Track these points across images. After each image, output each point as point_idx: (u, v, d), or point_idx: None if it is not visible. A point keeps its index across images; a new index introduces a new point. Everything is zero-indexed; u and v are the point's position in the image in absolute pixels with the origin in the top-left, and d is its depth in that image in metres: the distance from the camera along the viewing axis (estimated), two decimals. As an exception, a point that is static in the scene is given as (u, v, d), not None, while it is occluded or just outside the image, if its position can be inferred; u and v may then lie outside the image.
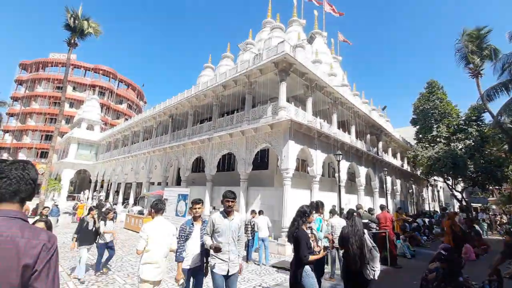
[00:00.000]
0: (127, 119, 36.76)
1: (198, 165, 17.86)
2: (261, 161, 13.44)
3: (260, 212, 8.54)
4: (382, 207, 8.37)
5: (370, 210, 8.35)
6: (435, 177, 25.87)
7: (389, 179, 19.24)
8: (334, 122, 14.50)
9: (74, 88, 42.83)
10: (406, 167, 26.31)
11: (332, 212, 6.75)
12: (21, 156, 39.29)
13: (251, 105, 12.90)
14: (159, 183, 20.07)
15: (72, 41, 16.44)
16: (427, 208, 28.90)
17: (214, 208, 13.38)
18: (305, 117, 12.14)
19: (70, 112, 40.19)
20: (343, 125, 16.84)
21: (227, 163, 14.70)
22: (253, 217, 8.54)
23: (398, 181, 22.31)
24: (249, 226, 8.15)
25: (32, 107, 41.37)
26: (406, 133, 31.37)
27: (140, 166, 20.95)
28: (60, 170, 30.34)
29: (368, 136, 18.89)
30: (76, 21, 15.85)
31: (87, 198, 29.39)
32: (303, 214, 3.57)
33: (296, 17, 20.02)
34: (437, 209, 31.06)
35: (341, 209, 10.82)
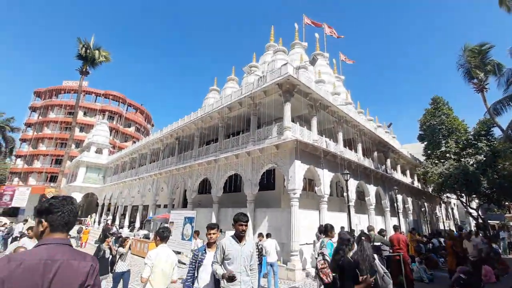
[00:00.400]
0: (135, 142, 37.45)
1: (205, 187, 17.77)
2: (268, 181, 13.32)
3: (268, 235, 8.25)
4: (395, 228, 8.05)
5: (382, 232, 8.03)
6: (448, 194, 25.05)
7: (400, 197, 18.71)
8: (340, 140, 14.45)
9: (85, 113, 44.24)
10: (416, 184, 25.63)
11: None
12: (31, 180, 39.93)
13: (256, 126, 13.04)
14: (165, 206, 19.93)
15: (84, 69, 17.29)
16: (441, 227, 27.70)
17: (221, 231, 13.10)
18: (311, 136, 12.17)
19: (80, 136, 41.21)
20: (349, 143, 16.76)
21: (233, 184, 14.59)
22: (260, 240, 8.30)
23: (410, 199, 21.65)
24: (257, 250, 7.93)
25: (44, 132, 42.63)
26: (414, 149, 30.94)
27: (147, 188, 20.97)
28: (69, 193, 30.55)
29: (375, 153, 18.68)
30: (88, 51, 16.75)
31: (94, 222, 29.30)
32: (347, 242, 3.42)
33: (298, 40, 20.74)
34: (453, 227, 29.74)
35: (351, 230, 10.46)
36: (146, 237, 14.73)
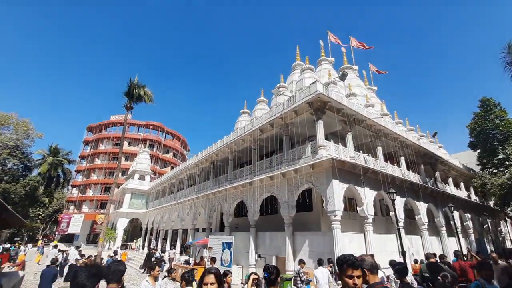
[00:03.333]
0: (173, 167, 39.45)
1: (241, 210, 17.74)
2: (305, 202, 12.82)
3: (320, 262, 7.43)
4: (456, 254, 7.05)
5: (442, 258, 7.06)
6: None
7: (456, 214, 16.63)
8: (379, 155, 13.59)
9: (129, 143, 48.22)
10: (474, 198, 22.70)
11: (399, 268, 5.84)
12: (84, 208, 43.70)
13: (289, 146, 12.90)
14: (203, 230, 20.19)
15: (129, 105, 19.08)
16: (509, 245, 23.74)
17: (259, 256, 12.78)
18: (347, 153, 11.64)
19: (126, 165, 44.67)
20: (391, 158, 15.66)
21: (271, 206, 14.32)
22: (302, 267, 7.86)
23: (468, 216, 19.13)
24: (298, 278, 7.45)
25: (95, 163, 47.12)
26: (466, 158, 27.87)
27: (185, 213, 21.58)
28: (116, 219, 32.71)
29: (422, 166, 17.13)
30: (135, 90, 18.60)
31: (139, 246, 30.66)
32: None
33: (324, 56, 20.73)
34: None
35: (403, 253, 9.44)
36: (187, 262, 14.89)
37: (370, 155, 13.17)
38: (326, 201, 9.70)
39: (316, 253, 9.76)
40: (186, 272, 3.75)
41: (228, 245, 12.06)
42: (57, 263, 9.64)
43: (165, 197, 28.06)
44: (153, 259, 16.69)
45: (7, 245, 25.73)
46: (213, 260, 10.84)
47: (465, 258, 8.20)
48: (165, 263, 17.68)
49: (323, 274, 6.74)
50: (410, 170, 15.66)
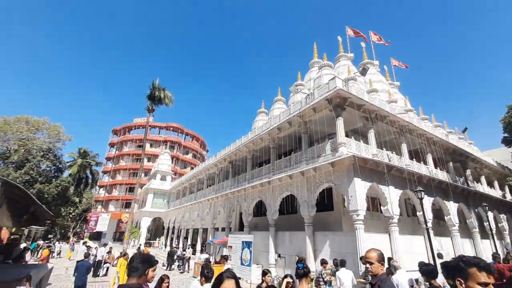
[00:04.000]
0: (192, 168, 40.30)
1: (260, 209, 17.71)
2: (326, 201, 12.54)
3: (342, 264, 7.05)
4: (494, 257, 6.53)
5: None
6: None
7: (490, 214, 15.49)
8: (404, 153, 12.98)
9: (151, 145, 49.94)
10: (510, 197, 21.05)
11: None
12: (111, 207, 45.81)
13: (308, 144, 12.67)
14: (223, 229, 20.39)
15: (151, 107, 19.79)
16: None
17: (279, 256, 12.66)
18: (369, 150, 11.22)
19: (148, 166, 46.29)
20: (416, 155, 14.90)
21: (290, 205, 14.17)
22: (324, 268, 7.65)
23: (503, 216, 17.78)
24: (321, 279, 7.25)
25: (120, 165, 49.30)
26: (499, 155, 25.87)
27: (205, 212, 21.92)
28: (140, 218, 33.96)
29: (451, 164, 16.15)
30: (157, 92, 19.30)
31: (161, 244, 31.63)
32: None
33: (343, 52, 20.18)
34: None
35: (439, 255, 8.92)
36: (208, 260, 15.09)
37: (394, 152, 12.61)
38: (347, 200, 9.40)
39: (338, 253, 9.49)
40: (206, 268, 3.74)
41: (247, 244, 12.04)
42: (90, 257, 10.32)
43: (186, 196, 28.70)
44: (175, 257, 17.13)
45: (41, 242, 27.56)
46: (224, 258, 10.89)
47: (504, 261, 7.59)
48: (186, 262, 18.06)
49: (346, 276, 6.49)
50: (438, 168, 14.82)
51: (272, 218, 13.30)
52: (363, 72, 11.15)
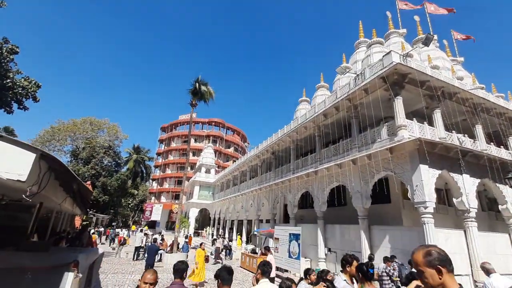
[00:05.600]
0: (234, 161, 41.03)
1: (306, 201, 16.98)
2: (381, 193, 11.27)
3: (410, 263, 6.17)
4: None
5: None
6: None
7: None
8: (480, 135, 10.94)
9: (195, 140, 52.29)
10: None
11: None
12: (162, 199, 49.51)
13: (358, 130, 11.49)
14: (267, 221, 20.19)
15: (194, 102, 20.32)
16: None
17: (329, 250, 11.87)
18: (435, 134, 9.65)
19: (193, 160, 48.60)
20: (494, 138, 12.52)
21: (342, 196, 13.10)
22: (388, 265, 6.73)
23: None
24: (385, 276, 6.38)
25: (168, 159, 52.76)
26: None
27: (249, 204, 21.97)
28: (188, 209, 35.91)
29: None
30: (200, 87, 19.73)
31: (208, 234, 33.05)
32: None
33: (393, 28, 17.92)
34: None
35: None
36: (253, 251, 15.01)
37: (466, 136, 10.69)
38: (411, 191, 8.15)
39: (400, 250, 8.36)
40: (262, 262, 3.32)
41: (295, 237, 11.51)
42: (154, 243, 12.09)
43: (229, 189, 29.28)
44: (221, 246, 17.50)
45: (108, 229, 30.99)
46: (266, 249, 10.50)
47: None
48: (233, 252, 18.36)
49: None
50: (525, 153, 12.24)
51: (320, 210, 12.50)
52: (427, 41, 9.49)
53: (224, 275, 2.60)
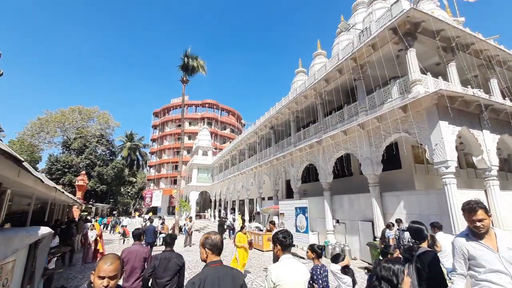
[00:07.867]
0: (231, 142, 40.20)
1: (308, 175, 16.38)
2: (390, 159, 10.59)
3: (439, 227, 5.02)
4: None
5: None
6: None
7: None
8: (495, 90, 10.13)
9: (190, 123, 50.97)
10: None
11: None
12: (161, 184, 49.02)
13: (364, 92, 10.56)
14: (269, 198, 19.73)
15: (185, 78, 19.02)
16: None
17: (337, 221, 11.38)
18: (450, 89, 8.77)
19: (189, 144, 47.61)
20: (508, 94, 11.74)
21: (347, 167, 12.45)
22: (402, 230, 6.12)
23: None
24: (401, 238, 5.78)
25: (164, 145, 51.67)
26: None
27: (249, 182, 21.41)
28: (188, 192, 35.50)
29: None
30: (189, 61, 18.34)
31: (210, 216, 32.90)
32: None
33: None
34: None
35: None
36: (258, 228, 14.59)
37: (481, 90, 9.85)
38: (431, 151, 7.40)
39: (417, 215, 7.76)
40: (280, 232, 2.52)
41: (302, 210, 10.98)
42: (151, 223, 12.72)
43: (228, 169, 28.66)
44: (225, 226, 17.08)
45: (109, 217, 30.58)
46: (272, 223, 9.91)
47: None
48: (236, 231, 17.99)
49: (447, 242, 4.76)
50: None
51: (326, 182, 11.84)
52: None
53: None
